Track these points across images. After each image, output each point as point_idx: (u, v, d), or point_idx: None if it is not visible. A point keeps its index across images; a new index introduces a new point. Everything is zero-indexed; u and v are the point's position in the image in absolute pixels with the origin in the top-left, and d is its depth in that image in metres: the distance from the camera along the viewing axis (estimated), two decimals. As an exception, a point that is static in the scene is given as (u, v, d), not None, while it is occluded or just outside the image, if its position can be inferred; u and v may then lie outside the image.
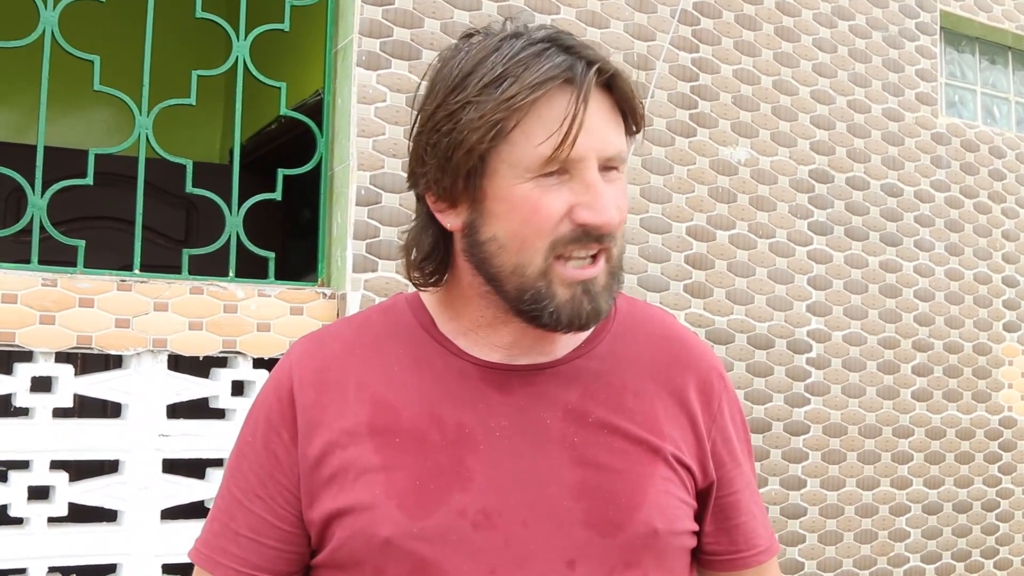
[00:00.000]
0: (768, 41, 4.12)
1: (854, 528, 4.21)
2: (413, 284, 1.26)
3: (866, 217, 4.33)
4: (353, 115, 3.18)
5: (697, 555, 1.32)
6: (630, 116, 1.18)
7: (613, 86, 1.15)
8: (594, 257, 1.15)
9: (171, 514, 2.95)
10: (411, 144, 1.20)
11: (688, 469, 1.24)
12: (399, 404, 1.19)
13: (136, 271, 2.96)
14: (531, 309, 1.14)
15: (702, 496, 1.28)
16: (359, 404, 1.20)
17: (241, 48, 3.13)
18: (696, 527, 1.27)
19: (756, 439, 3.93)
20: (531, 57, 1.11)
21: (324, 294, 3.13)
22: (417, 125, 1.17)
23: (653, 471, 1.20)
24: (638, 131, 1.20)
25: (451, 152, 1.11)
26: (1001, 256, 4.79)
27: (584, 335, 1.25)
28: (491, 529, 1.14)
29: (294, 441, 1.20)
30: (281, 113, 3.23)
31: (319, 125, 3.27)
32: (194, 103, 3.09)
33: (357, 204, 3.15)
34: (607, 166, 1.14)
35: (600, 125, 1.13)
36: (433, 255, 1.22)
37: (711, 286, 3.87)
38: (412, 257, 1.24)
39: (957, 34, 4.95)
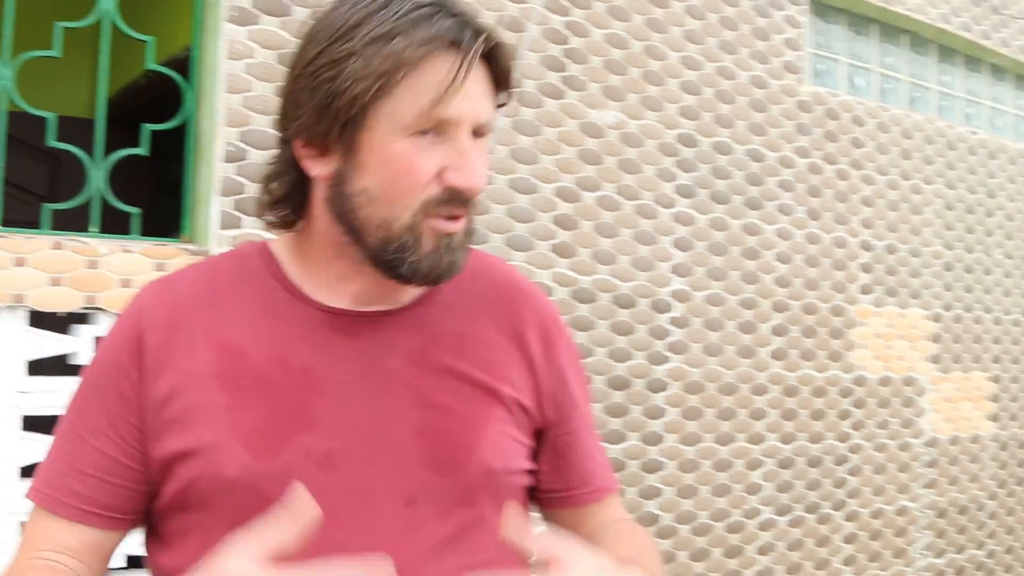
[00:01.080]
0: (640, 7, 4.24)
1: (710, 482, 4.42)
2: (266, 225, 1.30)
3: (730, 181, 4.50)
4: (222, 71, 3.21)
5: (536, 494, 1.40)
6: (503, 87, 1.24)
7: (494, 57, 1.21)
8: (454, 216, 1.21)
9: (30, 472, 2.97)
10: (285, 87, 1.22)
11: (525, 410, 1.32)
12: (246, 348, 1.24)
13: (-5, 224, 2.96)
14: (392, 260, 1.19)
15: (539, 436, 1.36)
16: (207, 348, 1.23)
17: (107, 0, 3.13)
18: (532, 466, 1.35)
19: (618, 396, 4.09)
20: (422, 18, 1.15)
21: (189, 250, 3.17)
22: (296, 68, 1.20)
23: (491, 413, 1.28)
24: (507, 103, 1.27)
25: (331, 99, 1.15)
26: (859, 221, 5.03)
27: None
28: (334, 469, 1.19)
29: (142, 380, 1.22)
30: (148, 67, 3.24)
31: (187, 80, 3.29)
32: (59, 56, 3.08)
33: (224, 160, 3.19)
34: (478, 133, 1.20)
35: (478, 92, 1.18)
36: (290, 199, 1.26)
37: (577, 246, 4.00)
38: (267, 200, 1.28)
39: (825, 5, 5.13)
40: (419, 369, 1.26)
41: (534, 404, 1.34)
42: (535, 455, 1.36)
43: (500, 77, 1.23)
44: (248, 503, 1.17)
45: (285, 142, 1.25)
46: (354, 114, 1.15)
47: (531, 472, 1.36)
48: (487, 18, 3.63)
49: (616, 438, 4.08)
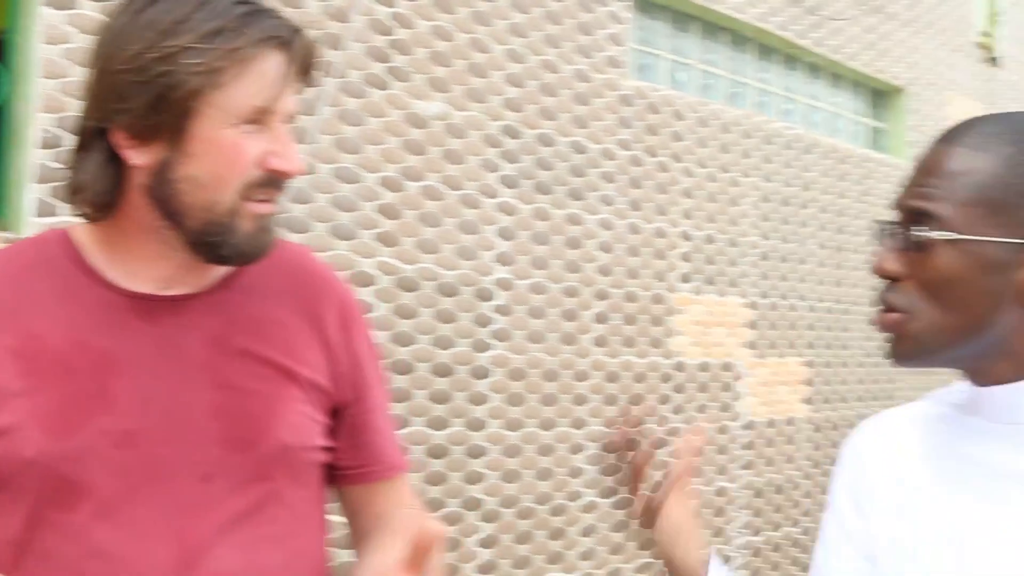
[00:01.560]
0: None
1: (534, 467, 4.58)
2: (81, 217, 1.35)
3: (553, 172, 4.66)
4: (38, 55, 3.20)
5: (331, 471, 1.49)
6: (307, 80, 1.36)
7: (304, 53, 1.33)
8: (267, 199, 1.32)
9: None
10: (102, 81, 1.27)
11: (321, 390, 1.41)
12: (45, 332, 1.29)
13: None
14: (215, 241, 1.28)
15: (335, 415, 1.45)
16: (5, 332, 1.28)
17: (-86, -20, 3.09)
18: (326, 443, 1.44)
19: (441, 383, 4.21)
20: (246, 15, 1.25)
21: (2, 237, 3.16)
22: (116, 63, 1.24)
23: (288, 393, 1.37)
24: (303, 93, 1.39)
25: (164, 92, 1.22)
26: (679, 212, 5.26)
27: (229, 269, 1.39)
28: (132, 448, 1.27)
29: None
30: (-41, 50, 3.21)
31: (3, 64, 3.26)
32: None
33: (40, 147, 3.18)
34: (286, 121, 1.32)
35: (292, 85, 1.32)
36: (108, 190, 1.31)
37: (401, 235, 4.10)
38: (86, 193, 1.31)
39: (648, 2, 5.34)
40: (217, 351, 1.34)
41: (330, 384, 1.43)
42: (331, 434, 1.46)
43: (305, 71, 1.34)
44: (46, 482, 1.25)
45: (99, 132, 1.29)
46: (188, 106, 1.23)
47: (327, 449, 1.45)
48: (313, 7, 3.72)
49: (440, 424, 4.20)
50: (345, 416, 1.46)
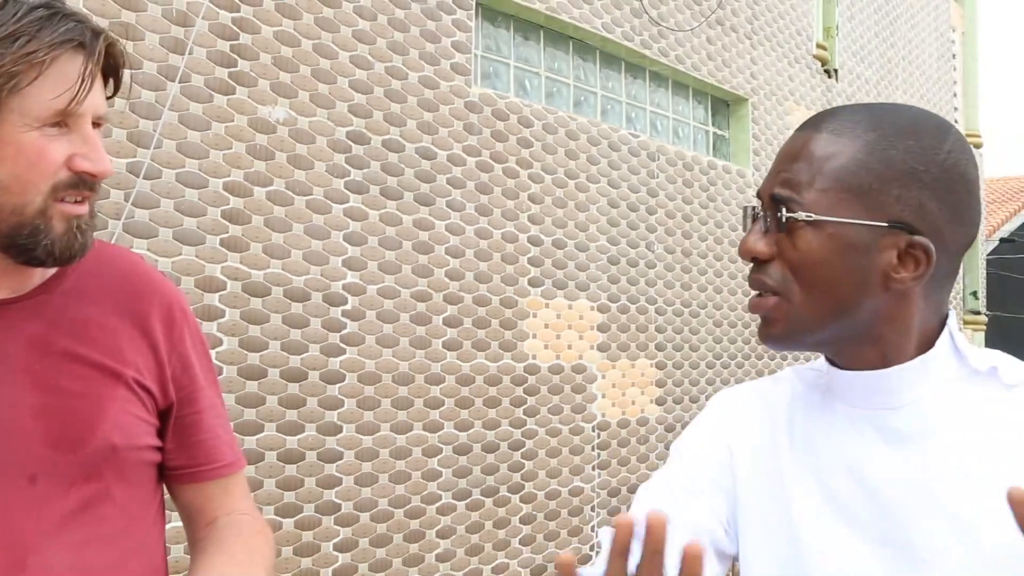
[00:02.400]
0: (309, 5, 4.39)
1: (389, 470, 4.62)
2: None
3: (401, 178, 4.72)
4: None
5: (165, 471, 1.49)
6: (115, 82, 1.37)
7: (108, 53, 1.33)
8: (80, 200, 1.32)
9: None
10: None
11: (149, 391, 1.42)
12: None
13: None
14: (27, 243, 1.28)
15: (164, 416, 1.46)
16: None
17: None
18: (157, 443, 1.45)
19: (293, 388, 4.23)
20: (43, 19, 1.25)
21: None
22: None
23: (114, 393, 1.37)
24: (115, 94, 1.39)
25: None
26: (527, 217, 5.37)
27: (51, 272, 1.40)
28: None
29: None
30: None
31: None
32: None
33: None
34: (96, 123, 1.32)
35: (98, 87, 1.30)
36: None
37: (248, 240, 4.11)
38: None
39: (493, 10, 5.46)
40: (39, 354, 1.35)
41: (157, 386, 1.44)
42: (161, 434, 1.46)
43: (112, 72, 1.35)
44: None
45: None
46: None
47: (159, 449, 1.46)
48: (154, 10, 3.72)
49: (293, 429, 4.21)
50: (175, 416, 1.47)
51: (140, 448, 1.40)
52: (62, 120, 1.27)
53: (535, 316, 5.39)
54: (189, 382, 1.48)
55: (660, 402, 6.27)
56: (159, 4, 3.88)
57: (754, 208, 1.20)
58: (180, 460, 1.48)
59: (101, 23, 1.34)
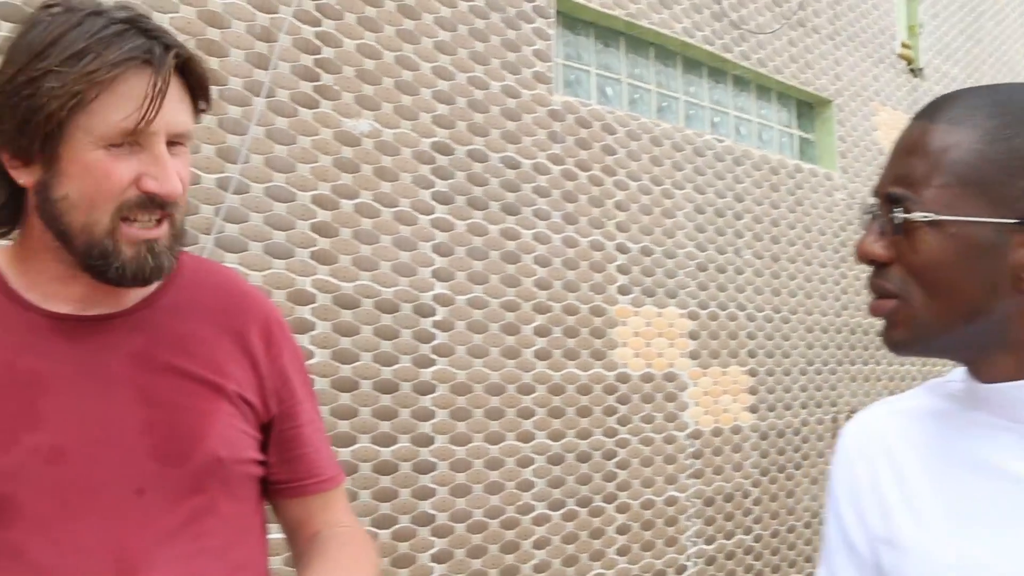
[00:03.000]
0: (390, 18, 4.41)
1: (483, 480, 4.59)
2: None
3: (487, 188, 4.71)
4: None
5: (267, 485, 1.50)
6: (200, 97, 1.35)
7: (186, 69, 1.31)
8: (159, 220, 1.31)
9: None
10: None
11: (250, 405, 1.43)
12: None
13: None
14: (98, 264, 1.28)
15: (265, 430, 1.47)
16: None
17: None
18: (260, 456, 1.45)
19: (385, 399, 4.22)
20: (113, 36, 1.24)
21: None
22: None
23: (217, 407, 1.38)
24: (206, 110, 1.38)
25: (30, 115, 1.22)
26: (614, 225, 5.32)
27: (152, 288, 1.40)
28: (62, 464, 1.27)
29: None
30: None
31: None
32: None
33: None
34: (174, 141, 1.30)
35: (171, 104, 1.28)
36: (3, 208, 1.34)
37: (337, 253, 4.12)
38: None
39: (573, 18, 5.44)
40: (142, 369, 1.35)
41: (258, 400, 1.45)
42: (263, 448, 1.47)
43: (194, 88, 1.34)
44: None
45: None
46: (51, 129, 1.23)
47: (261, 464, 1.46)
48: (236, 27, 3.75)
49: (387, 441, 4.21)
50: (276, 431, 1.48)
51: (244, 462, 1.41)
52: (132, 139, 1.25)
53: (625, 324, 5.34)
54: (288, 396, 1.49)
55: (753, 410, 6.16)
56: (243, 20, 3.91)
57: (871, 207, 1.12)
58: (282, 474, 1.49)
59: (187, 41, 1.31)
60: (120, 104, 1.24)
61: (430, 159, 4.50)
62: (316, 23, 4.15)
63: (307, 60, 4.11)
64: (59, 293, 1.34)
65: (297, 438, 1.50)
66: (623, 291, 5.34)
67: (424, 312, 4.41)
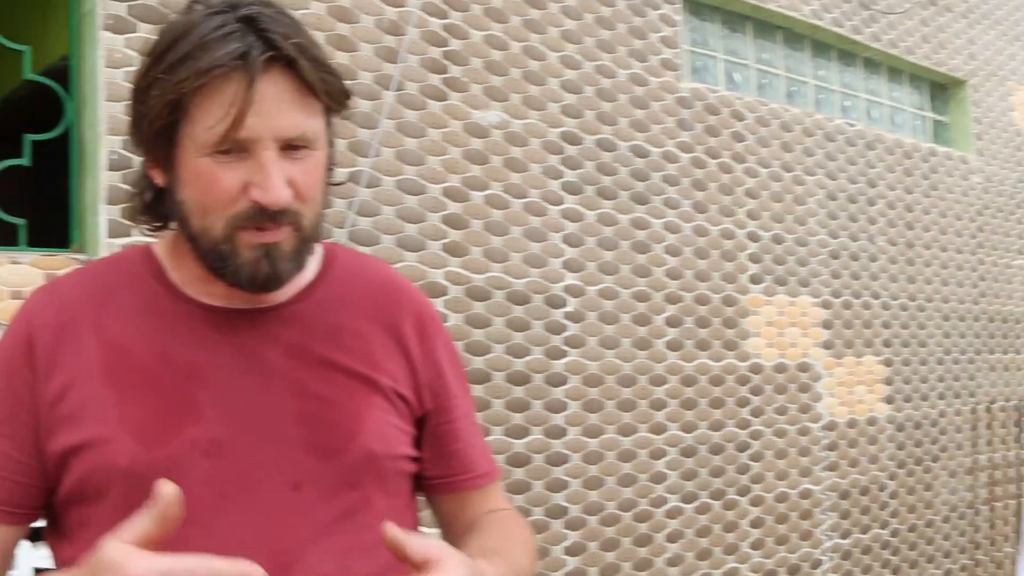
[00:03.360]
0: (516, 8, 4.38)
1: (615, 472, 4.54)
2: (140, 230, 1.38)
3: (616, 177, 4.66)
4: (101, 79, 3.26)
5: (420, 481, 1.47)
6: (321, 95, 1.26)
7: (298, 69, 1.22)
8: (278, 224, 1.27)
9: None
10: (129, 105, 1.29)
11: (404, 400, 1.40)
12: (131, 346, 1.30)
13: None
14: (218, 267, 1.27)
15: (419, 425, 1.43)
16: (94, 347, 1.30)
17: (-21, 12, 3.18)
18: (414, 452, 1.42)
19: (518, 391, 4.20)
20: (216, 40, 1.19)
21: (78, 260, 3.21)
22: (131, 91, 1.27)
23: (371, 401, 1.35)
24: (337, 109, 1.31)
25: (148, 121, 1.23)
26: (745, 213, 5.22)
27: (307, 279, 1.39)
28: (221, 457, 1.26)
29: (35, 380, 1.29)
30: (26, 77, 3.28)
31: (67, 90, 3.33)
32: (-68, 68, 3.12)
33: (108, 169, 3.24)
34: (292, 145, 1.23)
35: (276, 107, 1.21)
36: (148, 208, 1.35)
37: (468, 245, 4.11)
38: (134, 208, 1.36)
39: (699, 4, 5.34)
40: (297, 362, 1.34)
41: (412, 394, 1.41)
42: (417, 444, 1.44)
43: (315, 86, 1.25)
44: (140, 492, 1.21)
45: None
46: (165, 134, 1.22)
47: (415, 459, 1.43)
48: (364, 23, 3.75)
49: (519, 433, 4.19)
50: (430, 426, 1.45)
51: (398, 457, 1.38)
52: (237, 146, 1.21)
53: (757, 313, 5.23)
54: (443, 390, 1.46)
55: (889, 400, 6.00)
56: (371, 15, 3.92)
57: None
58: (436, 471, 1.47)
59: (316, 37, 1.25)
60: (212, 111, 1.20)
61: (559, 149, 4.46)
62: (443, 15, 4.14)
63: (435, 53, 4.11)
64: (211, 286, 1.34)
65: (451, 433, 1.47)
66: (755, 280, 5.24)
67: (555, 303, 4.38)
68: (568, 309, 4.42)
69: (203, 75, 1.18)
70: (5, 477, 1.30)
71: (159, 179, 1.29)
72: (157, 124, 1.21)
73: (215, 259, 1.26)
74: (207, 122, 1.19)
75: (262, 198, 1.22)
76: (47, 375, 1.29)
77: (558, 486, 4.32)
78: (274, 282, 1.28)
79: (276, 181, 1.22)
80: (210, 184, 1.22)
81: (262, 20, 1.22)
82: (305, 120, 1.25)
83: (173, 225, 1.37)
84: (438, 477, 1.47)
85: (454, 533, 1.50)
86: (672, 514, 4.76)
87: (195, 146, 1.21)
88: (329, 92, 1.27)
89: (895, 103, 6.57)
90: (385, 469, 1.36)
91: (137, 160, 1.34)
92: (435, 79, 4.09)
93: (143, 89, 1.22)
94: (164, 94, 1.19)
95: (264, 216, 1.23)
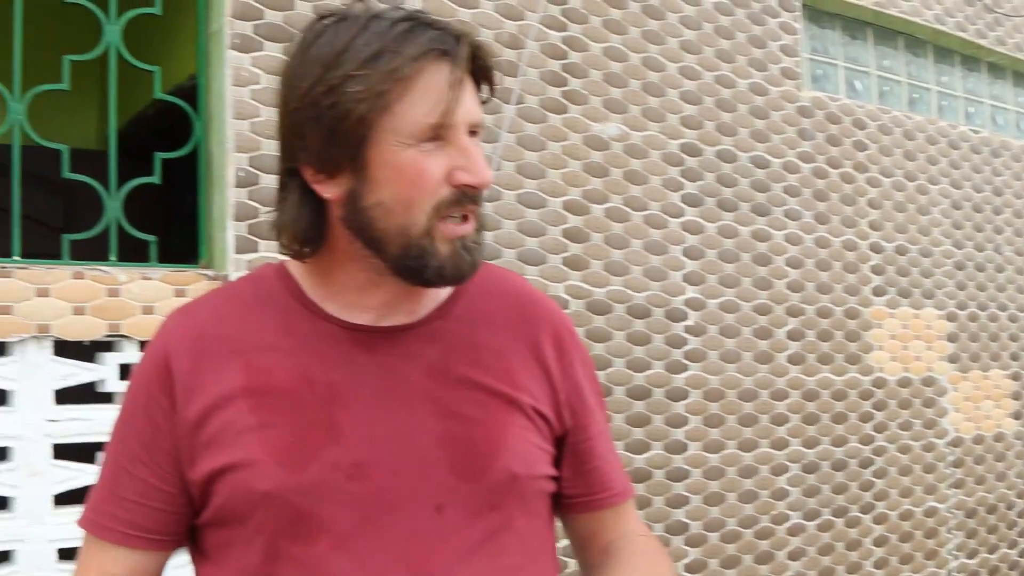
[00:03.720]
0: (635, 19, 4.33)
1: (737, 489, 4.45)
2: (289, 256, 1.34)
3: (736, 189, 4.57)
4: (228, 98, 3.29)
5: (558, 500, 1.44)
6: (487, 85, 1.31)
7: (475, 57, 1.27)
8: (464, 217, 1.27)
9: (64, 499, 3.01)
10: (283, 122, 1.27)
11: (544, 418, 1.36)
12: (271, 367, 1.29)
13: (15, 257, 3.03)
14: (415, 265, 1.24)
15: (558, 443, 1.40)
16: (233, 369, 1.29)
17: (112, 32, 3.22)
18: (554, 472, 1.39)
19: (638, 406, 4.14)
20: (404, 33, 1.21)
21: (207, 275, 3.23)
22: (292, 102, 1.24)
23: (512, 420, 1.32)
24: (489, 99, 1.33)
25: (335, 124, 1.20)
26: (867, 224, 5.09)
27: (444, 297, 1.37)
28: (363, 479, 1.24)
29: (173, 407, 1.28)
30: (156, 97, 3.32)
31: (195, 108, 3.37)
32: (68, 88, 3.16)
33: (236, 186, 3.26)
34: (472, 131, 1.26)
35: (468, 94, 1.24)
36: (311, 226, 1.30)
37: (589, 258, 4.06)
38: (291, 231, 1.31)
39: (819, 11, 5.23)
40: (439, 380, 1.31)
41: (552, 412, 1.38)
42: (556, 462, 1.41)
43: (482, 75, 1.29)
44: (282, 515, 1.24)
45: (292, 172, 1.29)
46: (360, 134, 1.20)
47: (554, 478, 1.40)
48: (484, 35, 3.73)
49: (640, 448, 4.13)
50: (569, 444, 1.42)
51: (539, 477, 1.35)
52: (437, 134, 1.21)
53: (880, 327, 5.10)
54: (581, 407, 1.43)
55: (1017, 416, 5.80)
56: (491, 28, 3.90)
57: None
58: (573, 489, 1.43)
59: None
60: (423, 99, 1.20)
61: (679, 161, 4.39)
62: (562, 28, 4.11)
63: (555, 65, 4.07)
64: (359, 303, 1.32)
65: (589, 451, 1.43)
66: (878, 292, 5.11)
67: (676, 317, 4.31)
68: (688, 322, 4.35)
69: (416, 60, 1.19)
70: (147, 505, 1.30)
71: (331, 191, 1.26)
72: (347, 125, 1.20)
73: (413, 256, 1.24)
74: (417, 111, 1.20)
75: (471, 180, 1.23)
76: (186, 402, 1.28)
77: (678, 502, 4.25)
78: (471, 272, 1.28)
79: (482, 162, 1.24)
80: (417, 175, 1.21)
81: (425, 16, 1.24)
82: (480, 107, 1.28)
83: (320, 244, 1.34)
84: (576, 496, 1.44)
85: (590, 554, 1.48)
86: (794, 532, 4.65)
87: (398, 139, 1.20)
88: (493, 83, 1.31)
89: (1021, 108, 6.36)
90: (527, 490, 1.33)
91: (271, 176, 1.32)
92: (555, 92, 4.06)
93: (321, 95, 1.20)
94: (371, 87, 1.18)
95: (467, 199, 1.25)
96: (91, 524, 1.33)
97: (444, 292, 1.36)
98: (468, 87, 1.25)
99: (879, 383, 5.06)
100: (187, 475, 1.28)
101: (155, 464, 1.29)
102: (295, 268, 1.37)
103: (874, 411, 5.02)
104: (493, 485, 1.29)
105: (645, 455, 4.14)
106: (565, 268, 4.00)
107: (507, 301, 1.42)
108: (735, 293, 4.52)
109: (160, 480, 1.29)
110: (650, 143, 4.31)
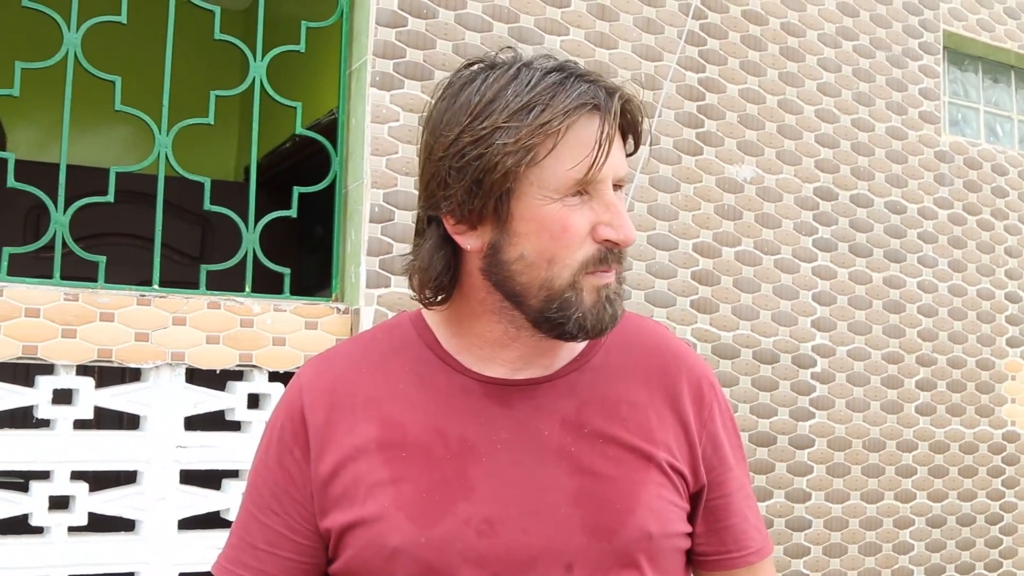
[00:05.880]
0: (773, 61, 4.17)
1: (858, 540, 4.24)
2: (422, 304, 1.30)
3: (870, 234, 4.37)
4: (367, 134, 3.24)
5: (691, 556, 1.36)
6: (635, 139, 1.26)
7: (624, 111, 1.22)
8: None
9: (188, 524, 3.00)
10: (427, 169, 1.23)
11: (680, 474, 1.29)
12: (405, 420, 1.25)
13: (155, 286, 3.02)
14: (557, 318, 1.20)
15: (694, 499, 1.33)
16: (367, 421, 1.25)
17: (258, 69, 3.20)
18: (689, 529, 1.32)
19: (762, 452, 3.97)
20: (555, 85, 1.17)
21: (338, 309, 3.18)
22: (437, 150, 1.20)
23: (647, 477, 1.26)
24: (635, 152, 1.28)
25: (481, 175, 1.16)
26: (1004, 272, 4.83)
27: (580, 348, 1.31)
28: (494, 536, 1.19)
29: (306, 459, 1.26)
30: (296, 132, 3.29)
31: (333, 144, 3.32)
32: (212, 122, 3.15)
33: (371, 221, 3.21)
34: (616, 185, 1.21)
35: (616, 149, 1.20)
36: (446, 275, 1.26)
37: (717, 302, 3.92)
38: (423, 278, 1.27)
39: (960, 53, 5.00)
40: (573, 435, 1.26)
41: (689, 468, 1.31)
42: (691, 518, 1.33)
43: (631, 130, 1.26)
44: (412, 570, 1.19)
45: (431, 220, 1.25)
46: (506, 186, 1.16)
47: (688, 534, 1.33)
48: (622, 76, 3.62)
49: (762, 495, 3.95)
50: (705, 500, 1.34)
51: (673, 535, 1.29)
52: (582, 188, 1.16)
53: (1014, 379, 4.82)
54: (719, 463, 1.35)
55: None
56: (628, 69, 3.79)
57: None
58: (708, 546, 1.36)
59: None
60: (571, 154, 1.16)
61: (813, 205, 4.21)
62: (700, 69, 3.97)
63: (691, 107, 3.94)
64: (495, 356, 1.27)
65: (727, 508, 1.36)
66: (1013, 343, 4.83)
67: (803, 363, 4.12)
68: (816, 369, 4.16)
69: (568, 115, 1.15)
70: (277, 554, 1.28)
71: (471, 242, 1.22)
72: (493, 176, 1.15)
73: (555, 310, 1.20)
74: (564, 165, 1.16)
75: (615, 237, 1.19)
76: (319, 455, 1.25)
77: (799, 552, 4.06)
78: (612, 324, 1.24)
79: (627, 219, 1.21)
80: (561, 230, 1.17)
81: (575, 68, 1.21)
82: (625, 162, 1.25)
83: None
84: (711, 554, 1.37)
85: None
86: (917, 586, 4.42)
87: (543, 193, 1.17)
88: (640, 138, 1.27)
89: None
90: (660, 548, 1.26)
91: (406, 213, 1.25)
92: (690, 133, 3.92)
93: (468, 145, 1.16)
94: (519, 140, 1.14)
95: (612, 256, 1.21)
96: (223, 571, 1.31)
97: (581, 343, 1.30)
98: (616, 142, 1.20)
99: (1011, 436, 4.79)
100: (320, 526, 1.25)
101: (285, 514, 1.27)
102: (431, 317, 1.33)
103: (1005, 465, 4.75)
104: (626, 543, 1.23)
105: (766, 503, 3.97)
106: (693, 311, 3.85)
107: (645, 351, 1.36)
108: (865, 340, 4.31)
109: (290, 530, 1.27)
110: (784, 186, 4.14)
